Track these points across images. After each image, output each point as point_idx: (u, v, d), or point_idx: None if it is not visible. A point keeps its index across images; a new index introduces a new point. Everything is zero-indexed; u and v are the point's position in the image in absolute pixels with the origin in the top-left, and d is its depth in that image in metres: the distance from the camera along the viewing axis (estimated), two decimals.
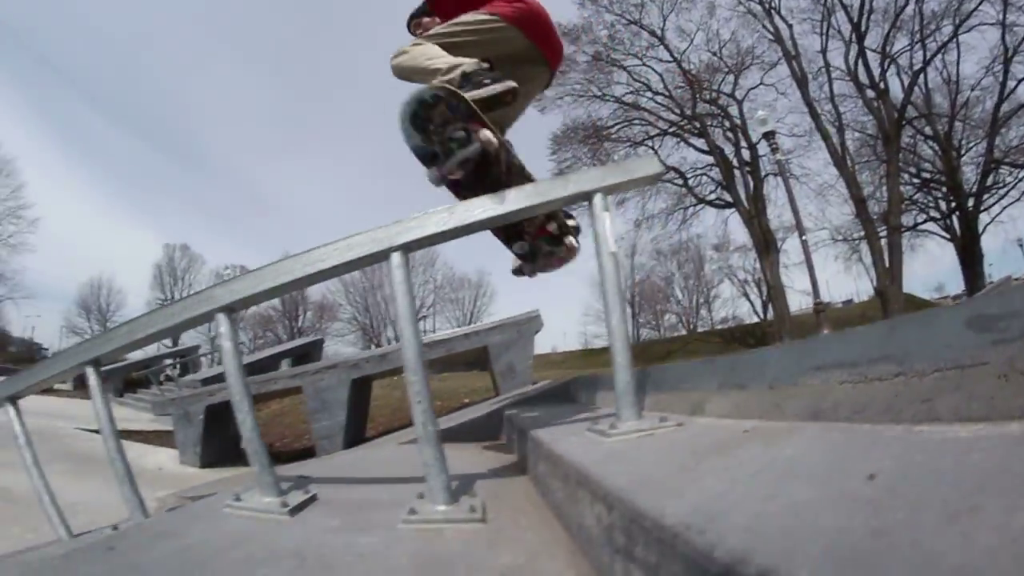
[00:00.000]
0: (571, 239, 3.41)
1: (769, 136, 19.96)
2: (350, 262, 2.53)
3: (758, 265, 35.78)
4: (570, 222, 3.43)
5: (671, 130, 31.40)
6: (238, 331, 2.73)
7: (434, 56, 2.87)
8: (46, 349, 55.16)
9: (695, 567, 0.80)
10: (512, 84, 2.66)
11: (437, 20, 3.26)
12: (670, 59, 30.49)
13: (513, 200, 2.48)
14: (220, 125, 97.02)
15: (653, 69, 30.86)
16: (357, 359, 9.65)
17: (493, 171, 2.84)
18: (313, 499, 2.44)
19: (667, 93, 30.94)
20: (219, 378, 12.89)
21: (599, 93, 31.29)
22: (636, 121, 31.82)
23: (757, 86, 30.79)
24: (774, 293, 29.11)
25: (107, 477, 5.91)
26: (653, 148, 31.23)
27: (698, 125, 30.72)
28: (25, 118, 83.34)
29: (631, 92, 31.46)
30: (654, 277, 55.19)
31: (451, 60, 2.80)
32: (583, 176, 2.52)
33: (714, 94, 30.78)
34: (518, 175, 2.96)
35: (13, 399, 3.37)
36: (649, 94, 31.40)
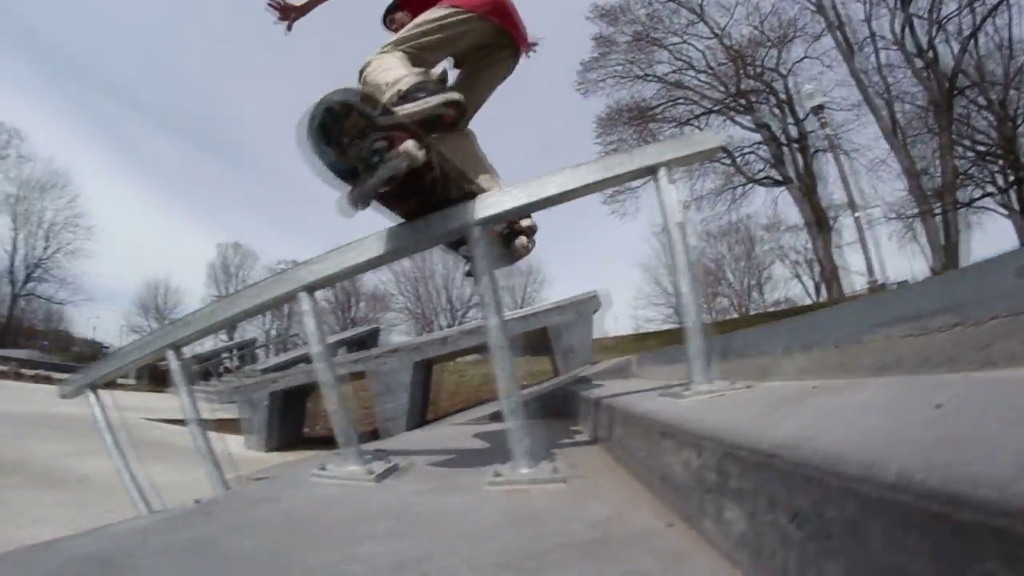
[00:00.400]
0: (521, 239, 3.39)
1: (818, 110, 19.44)
2: (429, 239, 2.69)
3: (810, 245, 34.45)
4: (525, 222, 3.36)
5: (716, 108, 30.54)
6: (319, 311, 2.81)
7: (386, 68, 2.69)
8: (107, 348, 54.01)
9: (793, 477, 0.87)
10: (453, 97, 2.50)
11: (408, 15, 3.17)
12: (711, 35, 29.73)
13: (584, 176, 2.53)
14: (264, 122, 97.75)
15: (694, 47, 30.20)
16: (419, 343, 9.83)
17: (427, 179, 2.60)
18: (395, 468, 2.55)
19: (710, 70, 30.21)
20: (280, 367, 13.20)
21: (641, 73, 30.65)
22: (681, 100, 31.06)
23: (802, 59, 29.44)
24: (828, 273, 28.29)
25: (173, 462, 6.26)
26: (699, 127, 30.24)
27: (744, 102, 29.91)
28: (78, 131, 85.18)
29: (674, 71, 30.77)
30: (704, 260, 53.03)
31: (395, 75, 2.60)
32: (647, 151, 2.56)
33: (758, 69, 29.75)
34: (456, 182, 2.81)
35: (93, 386, 3.53)
36: (692, 72, 30.70)
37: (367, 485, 2.32)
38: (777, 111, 29.96)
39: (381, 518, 1.79)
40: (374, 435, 8.81)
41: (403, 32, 2.93)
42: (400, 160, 2.29)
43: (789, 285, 53.70)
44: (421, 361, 9.32)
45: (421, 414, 9.34)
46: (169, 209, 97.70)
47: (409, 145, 2.30)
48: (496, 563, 1.33)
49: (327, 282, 2.82)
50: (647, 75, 30.69)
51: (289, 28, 3.29)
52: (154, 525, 2.09)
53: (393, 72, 2.61)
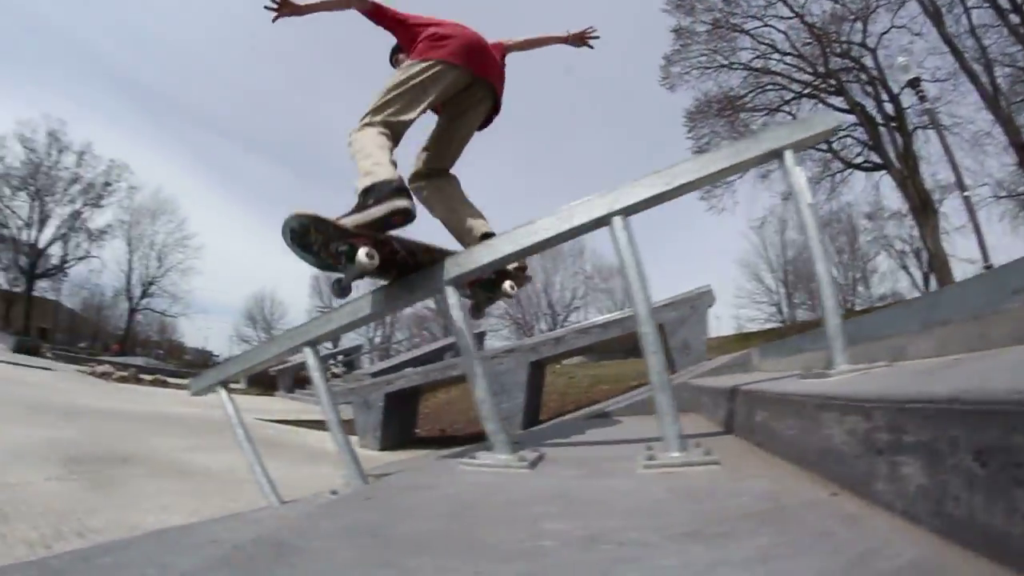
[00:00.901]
0: (507, 283, 3.56)
1: (914, 83, 18.14)
2: (572, 229, 2.67)
3: (916, 232, 32.22)
4: (511, 265, 3.45)
5: (806, 92, 28.98)
6: (465, 304, 2.93)
7: (360, 152, 2.95)
8: (217, 356, 63.01)
9: (976, 416, 0.89)
10: (397, 206, 2.72)
11: (407, 57, 3.34)
12: (791, 15, 28.13)
13: (715, 162, 2.56)
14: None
15: (776, 28, 28.66)
16: (534, 343, 9.85)
17: (396, 260, 2.97)
18: (542, 457, 2.58)
19: (795, 52, 28.67)
20: (391, 370, 13.55)
21: (725, 62, 29.41)
22: (769, 87, 29.67)
23: (888, 30, 27.37)
24: (936, 262, 26.07)
25: (285, 458, 6.46)
26: (791, 113, 29.03)
27: (833, 82, 28.18)
28: (182, 161, 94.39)
29: (758, 56, 29.38)
30: (805, 253, 50.33)
31: (362, 166, 2.88)
32: (773, 134, 2.56)
33: (844, 46, 27.93)
34: (421, 252, 3.09)
35: (225, 383, 3.67)
36: (777, 56, 29.23)
37: (521, 472, 2.36)
38: (869, 88, 27.89)
39: (549, 500, 1.80)
40: (483, 436, 8.86)
41: (379, 98, 3.14)
42: (357, 267, 2.66)
43: (896, 277, 50.21)
44: (536, 361, 9.36)
45: (534, 414, 9.38)
46: (271, 225, 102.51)
47: (361, 255, 2.64)
48: (684, 532, 1.34)
49: (474, 275, 2.91)
50: (731, 63, 29.35)
51: (274, 20, 3.36)
52: (318, 510, 2.15)
53: (362, 162, 2.89)
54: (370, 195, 2.77)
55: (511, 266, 3.49)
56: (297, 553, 1.47)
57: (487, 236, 3.28)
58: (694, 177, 2.55)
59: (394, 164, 2.95)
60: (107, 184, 50.68)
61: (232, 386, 3.73)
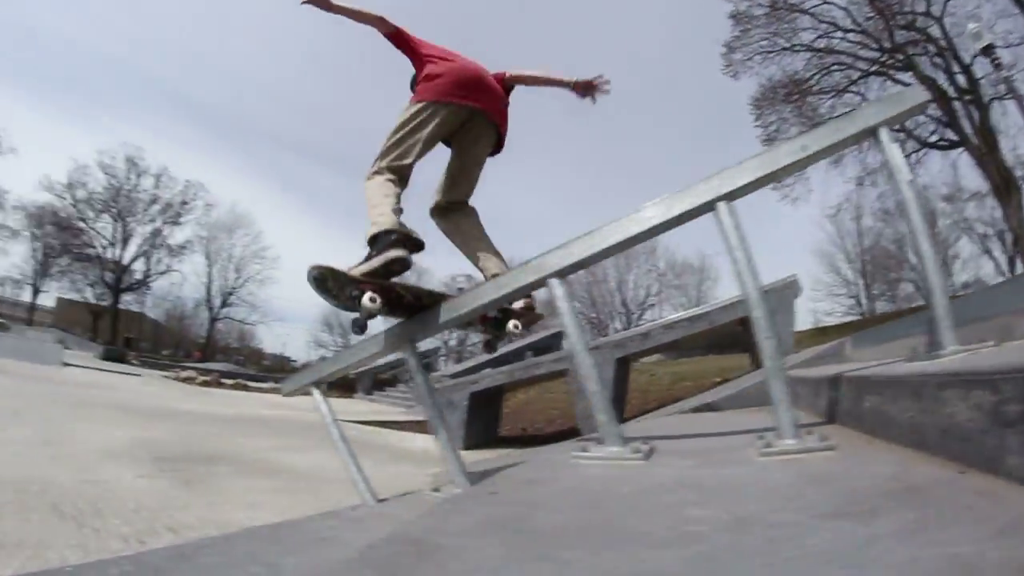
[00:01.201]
0: (513, 323, 3.66)
1: (986, 51, 16.86)
2: (678, 216, 2.64)
3: (998, 213, 30.42)
4: (518, 304, 3.62)
5: (872, 69, 27.50)
6: (573, 295, 2.93)
7: (370, 203, 3.20)
8: (295, 361, 67.53)
9: None
10: (393, 256, 2.98)
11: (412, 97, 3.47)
12: None
13: (814, 143, 2.54)
14: None
15: (836, 5, 27.31)
16: (620, 338, 9.73)
17: (404, 304, 3.25)
18: (653, 449, 2.54)
19: (858, 28, 27.25)
20: (469, 372, 13.62)
21: (787, 45, 28.17)
22: (834, 67, 28.31)
23: None
24: (1022, 244, 24.93)
25: (369, 458, 6.44)
26: (859, 93, 27.71)
27: (901, 57, 26.60)
28: (256, 178, 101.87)
29: (820, 36, 28.03)
30: (883, 241, 48.07)
31: (372, 216, 3.13)
32: (867, 112, 2.53)
33: (908, 17, 26.17)
34: (425, 296, 3.38)
35: (318, 384, 3.70)
36: (839, 34, 27.87)
37: (637, 463, 2.33)
38: (939, 60, 26.02)
39: (676, 489, 1.79)
40: (564, 435, 8.81)
41: (384, 143, 3.33)
42: (364, 310, 2.99)
43: (979, 262, 47.34)
44: (621, 357, 9.22)
45: (620, 411, 9.28)
46: (342, 235, 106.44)
47: (365, 301, 2.95)
48: (827, 512, 1.33)
49: (577, 268, 2.88)
50: (793, 46, 27.96)
51: (302, 3, 3.40)
52: (443, 507, 2.15)
53: (369, 212, 3.16)
54: (374, 245, 3.07)
55: (517, 305, 3.64)
56: (439, 550, 1.45)
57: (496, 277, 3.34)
58: (794, 159, 2.53)
59: (397, 211, 3.17)
60: (184, 203, 54.37)
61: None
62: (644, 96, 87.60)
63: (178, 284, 57.18)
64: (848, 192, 31.54)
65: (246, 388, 20.45)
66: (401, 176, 3.31)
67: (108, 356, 27.95)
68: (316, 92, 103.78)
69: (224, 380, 20.96)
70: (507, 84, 3.76)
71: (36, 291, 54.83)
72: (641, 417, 8.12)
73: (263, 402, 15.06)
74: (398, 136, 3.33)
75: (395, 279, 3.14)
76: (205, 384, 19.17)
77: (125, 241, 52.49)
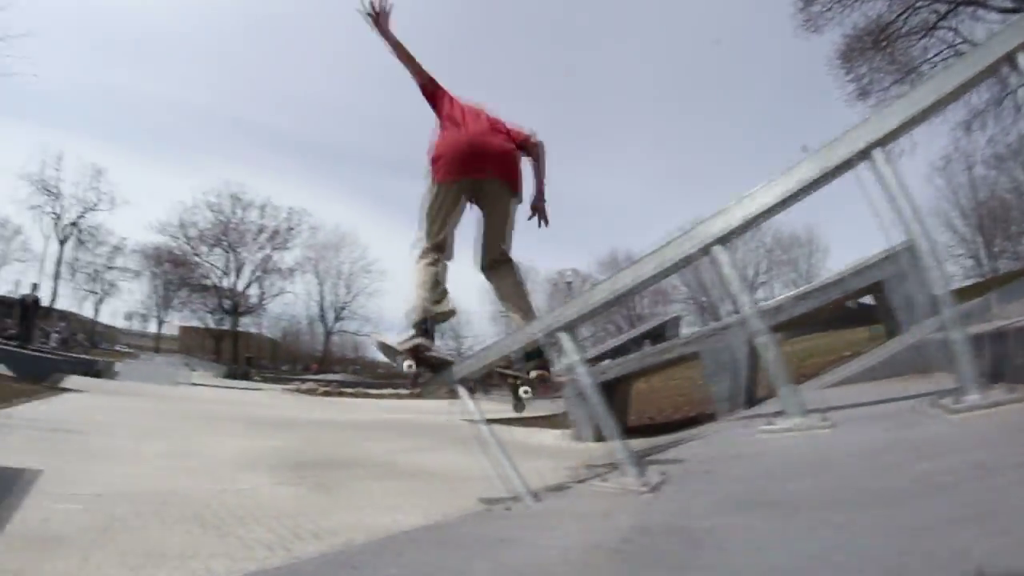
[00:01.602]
0: (523, 389, 3.89)
1: None
2: (835, 168, 2.55)
3: None
4: (533, 374, 3.85)
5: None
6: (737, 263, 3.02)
7: (417, 284, 3.87)
8: None
9: None
10: (417, 343, 3.70)
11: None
12: None
13: (954, 76, 2.42)
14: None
15: None
16: (774, 305, 9.09)
17: (433, 364, 3.88)
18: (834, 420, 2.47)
19: None
20: (599, 359, 13.24)
21: None
22: (919, 4, 24.72)
23: None
24: None
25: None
26: (952, 28, 24.64)
27: None
28: (355, 198, 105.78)
29: None
30: (1000, 191, 42.84)
31: (415, 302, 3.82)
32: (1002, 37, 2.35)
33: None
34: (455, 357, 4.12)
35: (463, 381, 3.72)
36: None
37: (827, 431, 2.32)
38: None
39: (889, 449, 1.80)
40: (705, 418, 8.28)
41: (421, 223, 3.95)
42: (407, 372, 3.80)
43: None
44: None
45: (754, 392, 8.67)
46: None
47: (404, 366, 3.76)
48: None
49: (739, 232, 2.83)
50: None
51: (365, 15, 3.81)
52: (648, 497, 2.09)
53: (413, 292, 3.85)
54: (412, 328, 3.78)
55: (532, 373, 3.85)
56: (708, 536, 1.35)
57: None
58: (938, 96, 2.42)
59: (431, 297, 3.81)
60: (290, 228, 58.10)
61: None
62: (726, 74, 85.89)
63: (291, 304, 61.06)
64: (955, 139, 28.47)
65: (365, 395, 21.03)
66: (441, 248, 3.93)
67: (231, 374, 29.63)
68: (401, 111, 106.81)
69: (344, 389, 21.53)
70: (523, 143, 4.07)
71: (160, 322, 62.67)
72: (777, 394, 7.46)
73: (382, 408, 15.33)
74: (428, 218, 3.89)
75: (428, 347, 3.75)
76: (326, 394, 19.72)
77: (238, 270, 56.93)
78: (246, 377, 30.26)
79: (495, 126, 3.93)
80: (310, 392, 20.47)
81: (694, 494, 1.80)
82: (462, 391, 3.73)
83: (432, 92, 3.98)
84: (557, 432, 9.10)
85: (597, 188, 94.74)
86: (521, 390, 3.91)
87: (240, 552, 2.97)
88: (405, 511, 3.94)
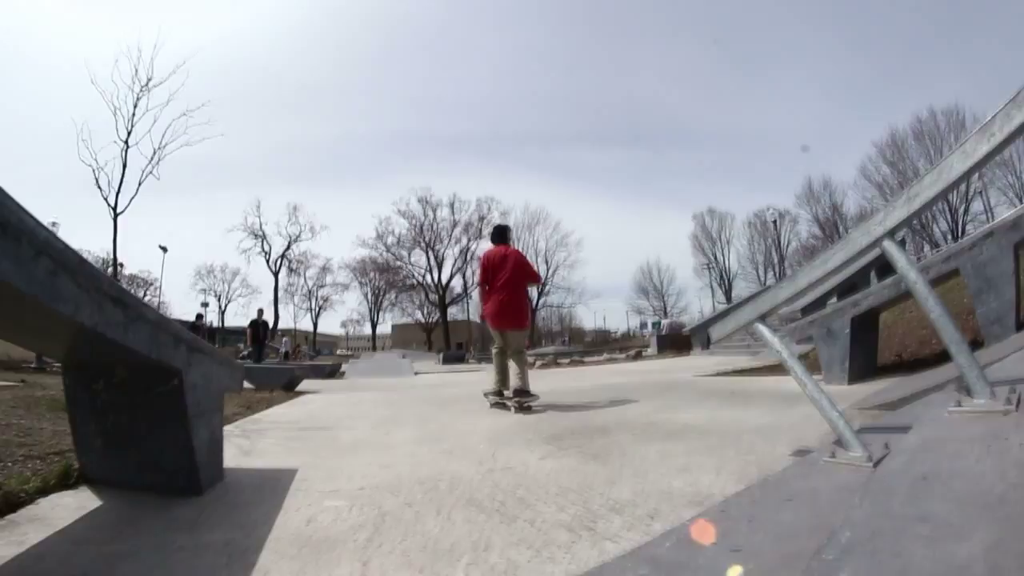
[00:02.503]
0: (513, 402, 7.03)
1: None
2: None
3: None
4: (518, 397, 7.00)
5: None
6: None
7: (493, 372, 7.70)
8: (614, 331, 79.78)
9: None
10: (492, 401, 7.45)
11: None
12: None
13: None
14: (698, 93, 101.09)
15: None
16: (1017, 216, 7.35)
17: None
18: None
19: None
20: (815, 306, 11.95)
21: None
22: None
23: None
24: None
25: (764, 405, 5.69)
26: None
27: None
28: (544, 175, 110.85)
29: None
30: None
31: (491, 384, 7.64)
32: None
33: None
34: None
35: (763, 318, 3.32)
36: None
37: None
38: None
39: None
40: (940, 358, 6.72)
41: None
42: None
43: None
44: (1021, 242, 6.70)
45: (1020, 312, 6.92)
46: (639, 203, 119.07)
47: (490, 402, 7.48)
48: None
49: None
50: None
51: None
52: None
53: (492, 378, 7.69)
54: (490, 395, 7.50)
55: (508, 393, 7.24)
56: None
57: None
58: None
59: (499, 380, 7.50)
60: (481, 218, 62.72)
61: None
62: None
63: None
64: None
65: (581, 363, 20.86)
66: (501, 350, 7.59)
67: (448, 359, 30.84)
68: (557, 86, 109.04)
69: (560, 360, 21.51)
70: (530, 279, 8.05)
71: (374, 324, 72.30)
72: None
73: (601, 372, 15.11)
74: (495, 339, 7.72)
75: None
76: (544, 366, 19.76)
77: (440, 265, 62.77)
78: (462, 361, 31.56)
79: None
80: (528, 366, 20.34)
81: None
82: (763, 328, 3.26)
83: (486, 286, 7.73)
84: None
85: (774, 119, 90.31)
86: (516, 403, 6.93)
87: (537, 538, 2.55)
88: (698, 471, 3.48)
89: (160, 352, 3.10)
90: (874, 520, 1.40)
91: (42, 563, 2.48)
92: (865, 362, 7.91)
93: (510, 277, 7.38)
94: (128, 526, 2.96)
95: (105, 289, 2.65)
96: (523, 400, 6.76)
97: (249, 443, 5.31)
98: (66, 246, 2.36)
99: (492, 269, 7.48)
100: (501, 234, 8.13)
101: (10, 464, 3.77)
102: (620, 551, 2.24)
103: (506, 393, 7.14)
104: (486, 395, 7.52)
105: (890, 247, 2.65)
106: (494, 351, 7.59)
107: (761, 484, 2.80)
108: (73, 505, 3.25)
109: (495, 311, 7.36)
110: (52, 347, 3.63)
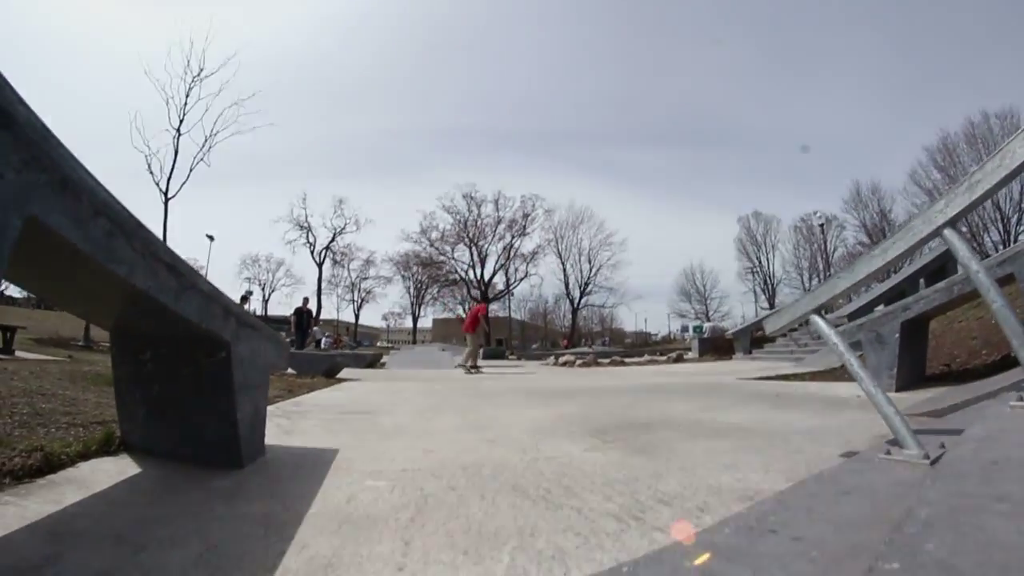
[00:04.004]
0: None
1: None
2: None
3: None
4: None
5: None
6: None
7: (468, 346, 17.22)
8: (655, 334, 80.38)
9: None
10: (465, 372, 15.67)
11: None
12: None
13: None
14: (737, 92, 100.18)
15: None
16: None
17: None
18: None
19: None
20: (861, 312, 11.62)
21: None
22: None
23: None
24: None
25: (808, 409, 5.54)
26: None
27: None
28: (582, 176, 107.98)
29: None
30: None
31: (466, 354, 16.91)
32: None
33: None
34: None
35: (818, 311, 3.35)
36: None
37: None
38: None
39: None
40: (995, 367, 6.50)
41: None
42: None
43: None
44: None
45: None
46: (683, 205, 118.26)
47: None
48: None
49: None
50: None
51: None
52: None
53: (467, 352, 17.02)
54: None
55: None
56: None
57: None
58: None
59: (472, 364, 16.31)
60: (525, 215, 61.64)
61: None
62: None
63: (537, 285, 65.26)
64: None
65: (622, 363, 20.86)
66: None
67: (488, 355, 30.84)
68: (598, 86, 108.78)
69: (600, 360, 21.41)
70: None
71: (415, 318, 73.11)
72: None
73: (643, 373, 14.92)
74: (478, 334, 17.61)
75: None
76: (584, 365, 19.79)
77: (483, 261, 61.92)
78: (502, 356, 31.72)
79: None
80: (567, 365, 20.78)
81: None
82: (819, 320, 3.26)
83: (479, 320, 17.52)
84: (845, 384, 7.80)
85: (822, 121, 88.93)
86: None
87: (584, 526, 2.52)
88: (744, 469, 3.43)
89: (210, 322, 3.12)
90: (950, 499, 1.43)
91: (77, 522, 2.55)
92: (913, 370, 7.65)
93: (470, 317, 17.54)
94: (166, 493, 3.03)
95: (160, 255, 2.66)
96: (467, 369, 15.92)
97: (290, 423, 5.41)
98: (124, 208, 2.37)
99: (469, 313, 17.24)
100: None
101: (53, 430, 3.93)
102: (671, 541, 2.20)
103: (469, 364, 16.12)
104: (459, 366, 16.58)
105: (951, 236, 2.60)
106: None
107: (816, 479, 2.75)
108: (113, 470, 3.35)
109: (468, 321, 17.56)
110: (103, 312, 3.64)
